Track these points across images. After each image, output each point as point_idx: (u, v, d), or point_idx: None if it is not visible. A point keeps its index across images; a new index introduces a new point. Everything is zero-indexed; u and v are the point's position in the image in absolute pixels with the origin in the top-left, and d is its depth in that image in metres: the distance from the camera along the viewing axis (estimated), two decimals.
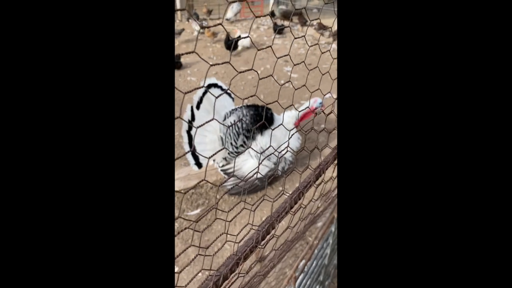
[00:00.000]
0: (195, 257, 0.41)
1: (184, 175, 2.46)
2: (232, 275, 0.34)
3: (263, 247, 0.39)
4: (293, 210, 0.43)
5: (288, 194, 0.44)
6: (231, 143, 2.16)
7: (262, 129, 2.16)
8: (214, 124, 2.13)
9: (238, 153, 2.15)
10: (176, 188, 2.34)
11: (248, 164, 2.17)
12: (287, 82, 0.54)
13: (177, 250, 1.89)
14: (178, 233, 0.40)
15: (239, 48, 5.05)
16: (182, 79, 4.19)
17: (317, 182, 0.48)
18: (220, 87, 2.28)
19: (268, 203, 2.17)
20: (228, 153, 2.20)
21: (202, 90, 2.10)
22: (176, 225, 2.10)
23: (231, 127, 2.14)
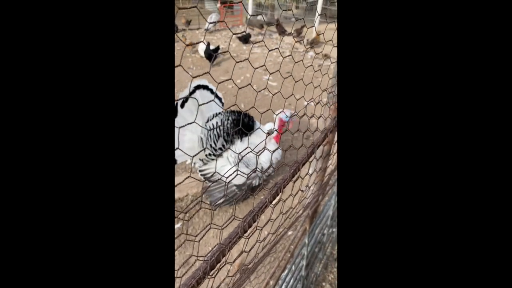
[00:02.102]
0: None
1: None
2: None
3: (213, 277, 0.37)
4: (246, 234, 0.42)
5: (239, 219, 0.43)
6: (211, 145, 2.16)
7: (242, 135, 2.17)
8: (196, 124, 2.14)
9: (216, 156, 2.16)
10: None
11: (225, 169, 2.16)
12: (263, 89, 0.54)
13: None
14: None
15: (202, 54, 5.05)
16: None
17: (274, 202, 0.48)
18: (211, 90, 2.27)
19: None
20: (206, 155, 2.20)
21: (190, 89, 2.10)
22: None
23: (212, 130, 2.14)
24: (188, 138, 2.19)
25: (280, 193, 0.49)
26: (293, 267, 0.98)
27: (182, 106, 2.11)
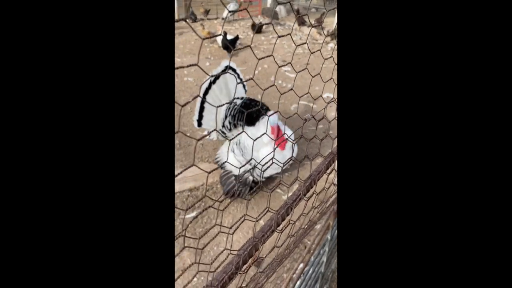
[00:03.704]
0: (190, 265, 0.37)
1: (180, 177, 2.42)
2: None
3: (245, 272, 0.34)
4: (279, 228, 0.39)
5: (273, 211, 0.40)
6: (223, 124, 2.29)
7: (247, 123, 2.21)
8: (224, 101, 2.28)
9: (224, 136, 2.29)
10: None
11: (229, 158, 2.25)
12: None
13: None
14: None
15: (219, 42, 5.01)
16: (178, 79, 4.15)
17: (308, 195, 0.44)
18: (238, 75, 2.34)
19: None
20: (219, 131, 2.32)
21: (222, 68, 2.20)
22: None
23: (229, 108, 2.26)
24: (218, 110, 2.30)
25: (314, 186, 0.45)
26: (314, 263, 0.96)
27: (214, 82, 2.23)
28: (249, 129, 2.16)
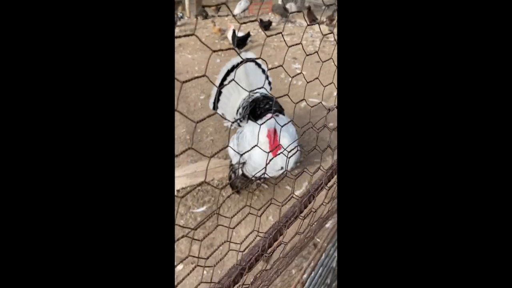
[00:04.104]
0: (193, 268, 0.38)
1: (190, 172, 2.45)
2: (236, 286, 0.31)
3: (270, 254, 0.35)
4: (302, 214, 0.40)
5: (297, 198, 0.41)
6: (238, 111, 2.29)
7: (251, 118, 2.19)
8: (242, 91, 2.28)
9: (239, 124, 2.28)
10: (183, 185, 2.33)
11: (230, 144, 2.25)
12: (297, 75, 0.51)
13: (183, 248, 1.88)
14: (178, 239, 0.38)
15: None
16: (189, 75, 4.18)
17: (329, 184, 0.45)
18: (263, 70, 2.31)
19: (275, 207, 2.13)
20: (235, 119, 2.33)
21: (242, 58, 2.14)
22: (182, 221, 2.09)
23: (244, 99, 2.27)
24: (234, 98, 2.30)
25: (336, 175, 0.46)
26: (325, 256, 0.96)
27: (233, 70, 2.24)
28: (251, 124, 2.11)
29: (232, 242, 0.35)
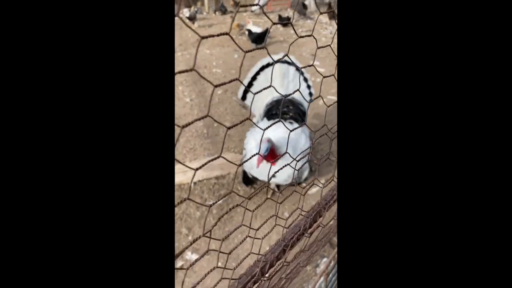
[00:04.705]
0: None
1: (207, 165, 2.48)
2: (278, 262, 0.32)
3: (308, 235, 0.35)
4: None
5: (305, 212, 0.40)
6: (264, 109, 2.24)
7: (266, 116, 2.14)
8: (271, 89, 2.19)
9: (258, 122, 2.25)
10: (200, 178, 2.37)
11: (246, 138, 2.20)
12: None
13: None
14: (193, 241, 0.38)
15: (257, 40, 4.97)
16: (207, 70, 4.21)
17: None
18: (306, 79, 2.28)
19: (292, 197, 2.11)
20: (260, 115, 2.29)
21: (280, 56, 2.11)
22: (198, 214, 2.12)
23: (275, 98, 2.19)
24: (265, 95, 2.24)
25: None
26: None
27: (267, 66, 2.20)
28: (254, 132, 2.03)
29: (251, 228, 0.35)
